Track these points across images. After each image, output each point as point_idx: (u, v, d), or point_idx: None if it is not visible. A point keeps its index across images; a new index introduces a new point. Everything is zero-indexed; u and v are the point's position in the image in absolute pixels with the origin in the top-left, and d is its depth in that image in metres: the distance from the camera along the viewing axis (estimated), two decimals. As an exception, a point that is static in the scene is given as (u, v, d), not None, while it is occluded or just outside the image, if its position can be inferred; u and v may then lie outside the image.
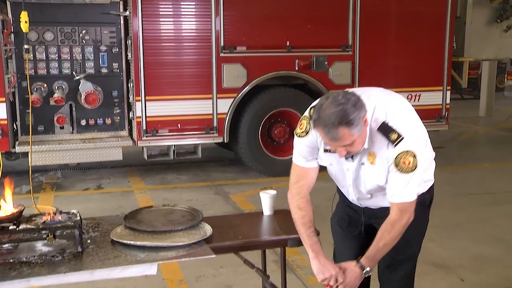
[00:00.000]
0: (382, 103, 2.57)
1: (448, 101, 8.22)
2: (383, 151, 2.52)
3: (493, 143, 10.52)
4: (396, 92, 2.78)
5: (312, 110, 2.55)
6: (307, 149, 2.72)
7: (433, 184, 2.83)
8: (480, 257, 4.98)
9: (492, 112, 13.04)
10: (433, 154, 2.79)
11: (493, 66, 12.95)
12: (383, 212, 2.68)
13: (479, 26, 8.83)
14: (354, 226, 2.89)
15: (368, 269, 2.61)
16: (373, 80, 7.62)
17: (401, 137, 2.46)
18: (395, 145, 2.46)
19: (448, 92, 8.22)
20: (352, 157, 2.63)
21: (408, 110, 2.67)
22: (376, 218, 2.78)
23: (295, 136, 2.74)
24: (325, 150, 2.67)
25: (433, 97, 8.11)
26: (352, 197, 2.84)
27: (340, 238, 3.01)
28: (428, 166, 2.68)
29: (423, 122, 2.67)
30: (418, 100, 7.94)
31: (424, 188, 2.72)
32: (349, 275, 2.61)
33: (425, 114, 7.74)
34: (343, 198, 2.97)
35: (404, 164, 2.45)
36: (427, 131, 2.71)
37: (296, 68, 7.54)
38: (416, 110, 2.70)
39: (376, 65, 7.82)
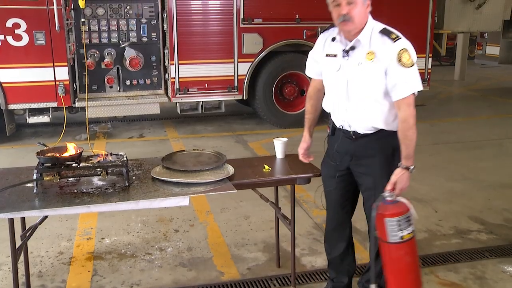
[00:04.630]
0: (382, 25, 2.57)
1: (429, 66, 8.07)
2: (383, 47, 2.47)
3: (464, 101, 10.39)
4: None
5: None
6: (312, 61, 2.82)
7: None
8: (451, 191, 4.99)
9: (464, 76, 12.90)
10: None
11: (466, 38, 12.77)
12: (365, 150, 2.62)
13: (456, 4, 8.65)
14: (334, 170, 2.76)
15: (412, 166, 2.50)
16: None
17: (399, 37, 2.48)
18: (395, 41, 2.46)
19: (430, 59, 8.07)
20: (347, 52, 2.55)
21: None
22: (358, 158, 2.66)
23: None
24: (327, 55, 2.68)
25: (418, 63, 7.86)
26: (342, 116, 2.66)
27: (325, 181, 2.89)
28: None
29: None
30: (405, 65, 7.74)
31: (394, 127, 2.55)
32: (400, 178, 2.48)
33: (410, 76, 7.60)
34: (331, 143, 2.80)
35: (405, 59, 2.44)
36: None
37: (304, 37, 7.39)
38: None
39: (370, 35, 7.60)
